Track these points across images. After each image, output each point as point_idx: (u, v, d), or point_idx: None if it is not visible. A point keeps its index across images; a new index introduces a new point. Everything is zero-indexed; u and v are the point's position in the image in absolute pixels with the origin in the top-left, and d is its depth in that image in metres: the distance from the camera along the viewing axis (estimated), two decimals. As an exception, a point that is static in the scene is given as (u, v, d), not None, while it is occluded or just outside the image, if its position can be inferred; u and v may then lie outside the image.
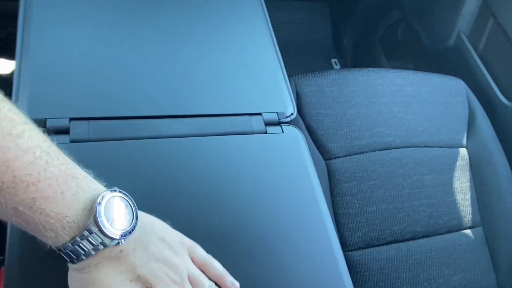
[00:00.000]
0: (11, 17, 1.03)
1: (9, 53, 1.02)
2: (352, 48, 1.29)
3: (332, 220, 0.47)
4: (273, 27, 0.58)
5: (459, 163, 0.75)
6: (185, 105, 0.46)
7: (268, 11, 0.58)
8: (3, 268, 0.34)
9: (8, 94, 0.59)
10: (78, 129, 0.41)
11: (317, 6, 1.34)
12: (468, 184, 0.74)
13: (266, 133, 0.49)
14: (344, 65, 1.28)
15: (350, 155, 0.67)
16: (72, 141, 0.40)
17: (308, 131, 0.67)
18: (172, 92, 0.46)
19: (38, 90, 0.41)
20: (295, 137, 0.50)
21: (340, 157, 0.66)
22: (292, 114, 0.51)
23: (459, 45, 0.96)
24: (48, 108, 0.40)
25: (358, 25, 1.26)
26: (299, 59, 1.25)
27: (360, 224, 0.63)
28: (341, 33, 1.30)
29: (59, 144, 0.39)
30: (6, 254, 0.34)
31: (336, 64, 1.27)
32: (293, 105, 0.52)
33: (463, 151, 0.76)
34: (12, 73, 1.03)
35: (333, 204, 0.64)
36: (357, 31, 1.27)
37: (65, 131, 0.40)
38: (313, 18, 1.33)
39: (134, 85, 0.45)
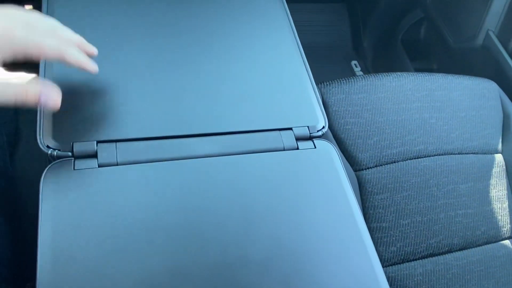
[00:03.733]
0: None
1: (28, 67, 1.02)
2: (373, 49, 1.26)
3: None
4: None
5: (495, 170, 0.71)
6: (213, 122, 0.44)
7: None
8: None
9: (26, 109, 0.58)
10: (106, 153, 0.39)
11: (335, 7, 1.31)
12: (505, 192, 0.71)
13: (297, 149, 0.46)
14: (365, 67, 1.24)
15: (381, 165, 0.64)
16: (100, 165, 0.38)
17: (336, 141, 0.64)
18: (199, 110, 0.45)
19: (63, 113, 0.39)
20: (328, 152, 0.47)
21: (370, 167, 0.64)
22: (323, 127, 0.49)
23: (488, 44, 0.92)
24: (75, 132, 0.39)
25: (378, 26, 1.23)
26: (318, 62, 1.22)
27: (394, 238, 0.60)
28: (360, 34, 1.27)
29: (88, 169, 0.38)
30: (38, 281, 0.33)
31: (356, 66, 1.23)
32: (324, 118, 0.49)
33: (498, 157, 0.72)
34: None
35: (365, 218, 0.61)
36: (377, 31, 1.24)
37: (92, 155, 0.39)
38: (331, 20, 1.30)
39: (159, 104, 0.43)
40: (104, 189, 0.37)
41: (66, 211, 0.35)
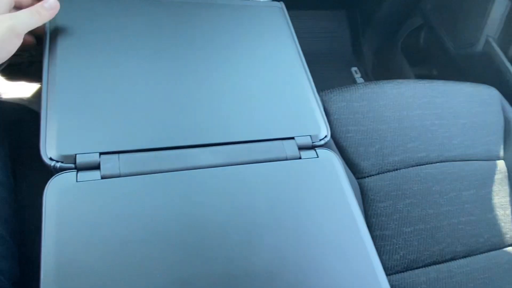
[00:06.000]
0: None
1: (30, 75, 1.02)
2: (373, 55, 1.26)
3: None
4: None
5: (497, 176, 0.71)
6: (216, 133, 0.44)
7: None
8: None
9: (28, 118, 0.57)
10: (109, 164, 0.39)
11: (335, 14, 1.31)
12: (508, 198, 0.71)
13: (300, 158, 0.46)
14: (365, 74, 1.25)
15: (383, 172, 0.64)
16: (103, 177, 0.38)
17: (338, 149, 0.64)
18: (202, 120, 0.45)
19: (66, 125, 0.39)
20: (331, 161, 0.47)
21: (373, 175, 0.64)
22: (326, 136, 0.49)
23: (488, 51, 0.92)
24: (77, 144, 0.39)
25: (378, 33, 1.23)
26: (318, 69, 1.23)
27: (397, 246, 0.60)
28: (360, 41, 1.27)
29: (91, 181, 0.38)
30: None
31: (356, 73, 1.24)
32: (327, 127, 0.49)
33: (500, 164, 0.72)
34: (33, 96, 1.03)
35: (368, 226, 0.61)
36: (377, 38, 1.24)
37: (95, 167, 0.39)
38: (330, 27, 1.31)
39: (162, 115, 0.43)
40: (107, 201, 0.37)
41: (70, 223, 0.35)
